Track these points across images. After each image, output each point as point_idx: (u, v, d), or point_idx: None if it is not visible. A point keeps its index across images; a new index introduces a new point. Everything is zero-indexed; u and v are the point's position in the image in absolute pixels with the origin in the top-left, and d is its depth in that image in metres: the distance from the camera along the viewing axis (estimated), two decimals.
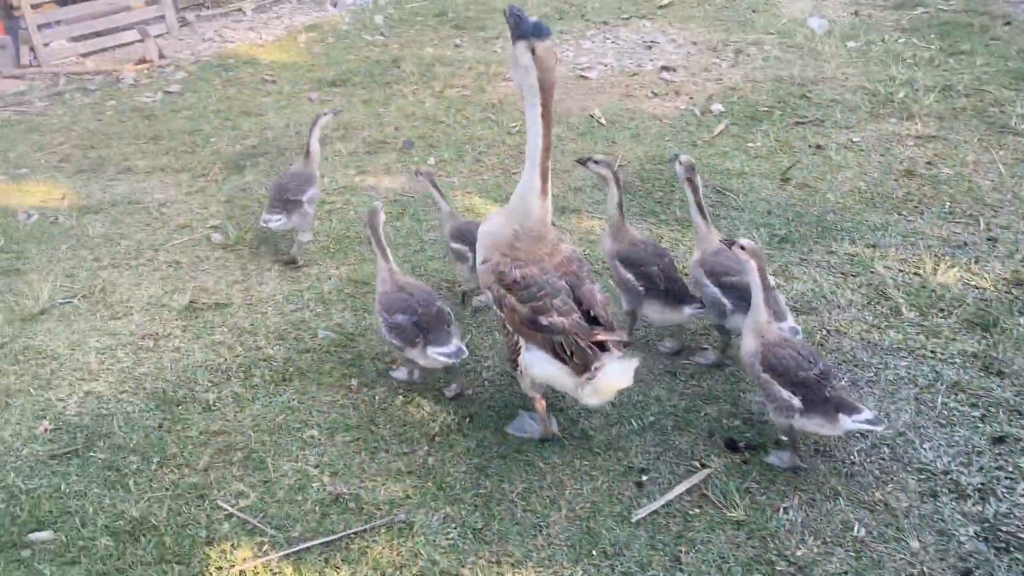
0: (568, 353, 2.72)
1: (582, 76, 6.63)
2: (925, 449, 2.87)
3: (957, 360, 3.31)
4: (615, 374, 2.69)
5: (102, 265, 4.27)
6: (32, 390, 3.35)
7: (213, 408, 3.20)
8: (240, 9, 8.71)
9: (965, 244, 4.11)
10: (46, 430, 3.10)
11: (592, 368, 2.68)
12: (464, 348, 3.10)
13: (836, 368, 3.23)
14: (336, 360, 3.46)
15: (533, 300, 2.76)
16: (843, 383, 3.18)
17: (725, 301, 3.22)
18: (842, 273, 3.92)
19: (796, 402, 2.73)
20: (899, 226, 4.30)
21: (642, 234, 3.62)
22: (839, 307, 3.67)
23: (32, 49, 7.43)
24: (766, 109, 5.83)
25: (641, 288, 3.34)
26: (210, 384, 3.33)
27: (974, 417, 3.00)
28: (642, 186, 4.86)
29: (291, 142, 5.56)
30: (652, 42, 7.21)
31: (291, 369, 3.39)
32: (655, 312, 3.38)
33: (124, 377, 3.41)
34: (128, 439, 3.05)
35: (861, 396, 3.12)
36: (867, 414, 2.67)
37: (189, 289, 3.98)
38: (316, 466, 2.90)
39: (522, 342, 2.83)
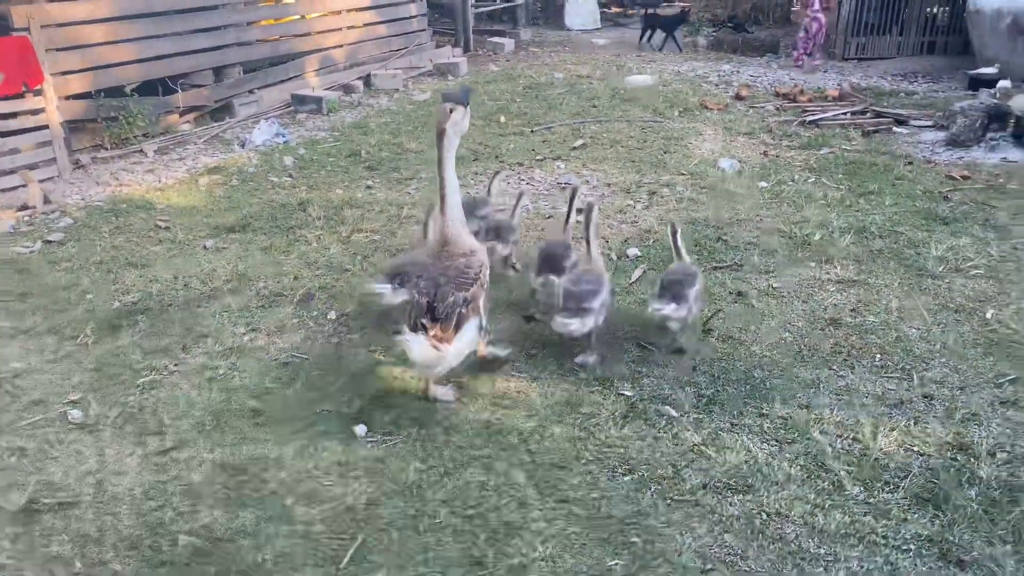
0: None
1: None
2: None
3: (912, 546, 2.96)
4: (409, 346, 3.54)
5: None
6: None
7: None
8: (141, 150, 8.34)
9: (901, 402, 3.86)
10: None
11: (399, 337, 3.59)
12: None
13: None
14: None
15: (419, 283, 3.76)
16: None
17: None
18: (776, 440, 3.59)
19: None
20: (831, 383, 4.04)
21: None
22: (777, 483, 3.31)
23: None
24: None
25: None
26: None
27: None
28: (559, 340, 4.52)
29: (177, 297, 5.08)
30: (566, 184, 7.09)
31: None
32: None
33: None
34: None
35: None
36: None
37: (30, 484, 3.38)
38: None
39: None
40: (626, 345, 4.45)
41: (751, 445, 3.55)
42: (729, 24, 15.51)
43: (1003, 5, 10.94)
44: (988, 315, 4.66)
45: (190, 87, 9.30)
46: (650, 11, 15.23)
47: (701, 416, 3.78)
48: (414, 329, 3.55)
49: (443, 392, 3.93)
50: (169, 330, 4.68)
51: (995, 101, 8.46)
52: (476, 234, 4.62)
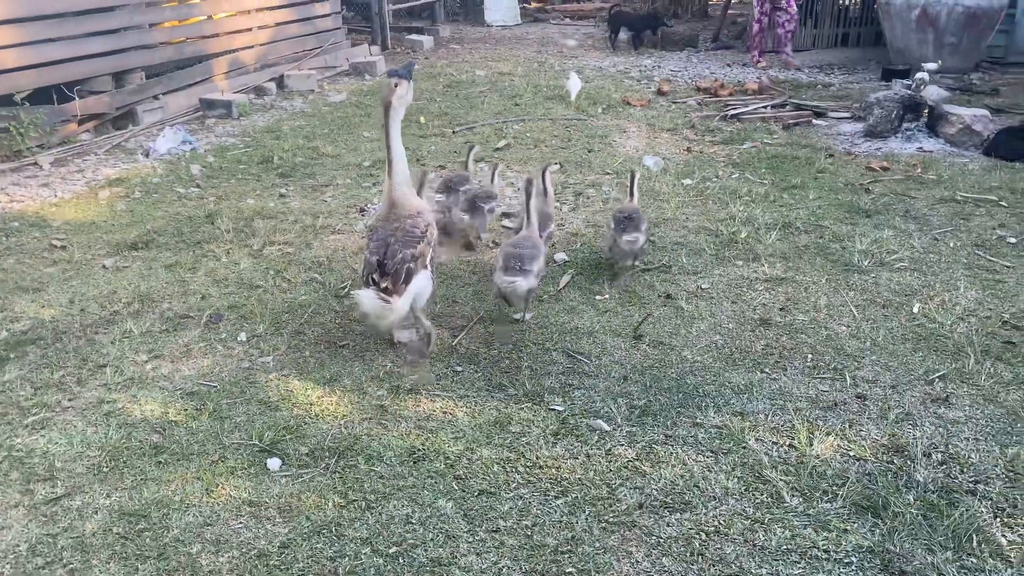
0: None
1: None
2: None
3: (853, 559, 2.86)
4: (360, 300, 3.83)
5: None
6: None
7: None
8: (36, 163, 7.80)
9: (835, 404, 3.78)
10: None
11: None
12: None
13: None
14: None
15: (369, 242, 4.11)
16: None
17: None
18: (712, 451, 3.47)
19: None
20: (764, 387, 3.95)
21: None
22: (715, 498, 3.18)
23: None
24: (610, 257, 5.52)
25: None
26: None
27: None
28: (486, 353, 4.33)
29: (73, 323, 4.69)
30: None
31: None
32: None
33: None
34: None
35: None
36: None
37: None
38: None
39: None
40: (555, 356, 4.28)
41: (686, 458, 3.41)
42: (650, 19, 15.51)
43: None
44: (915, 309, 4.65)
45: (88, 94, 8.76)
46: (614, 10, 15.07)
47: (634, 428, 3.63)
48: (366, 284, 3.92)
49: (406, 335, 4.38)
50: (63, 361, 4.31)
51: (909, 92, 8.60)
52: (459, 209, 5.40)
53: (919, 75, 9.80)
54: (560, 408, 3.79)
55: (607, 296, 4.96)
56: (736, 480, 3.27)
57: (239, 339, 4.50)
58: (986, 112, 8.33)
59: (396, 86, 4.15)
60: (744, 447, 3.48)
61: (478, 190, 5.59)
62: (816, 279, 5.09)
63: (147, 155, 8.13)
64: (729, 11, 15.76)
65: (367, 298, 3.81)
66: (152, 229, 6.10)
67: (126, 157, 8.16)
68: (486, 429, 3.64)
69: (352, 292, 4.31)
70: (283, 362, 4.27)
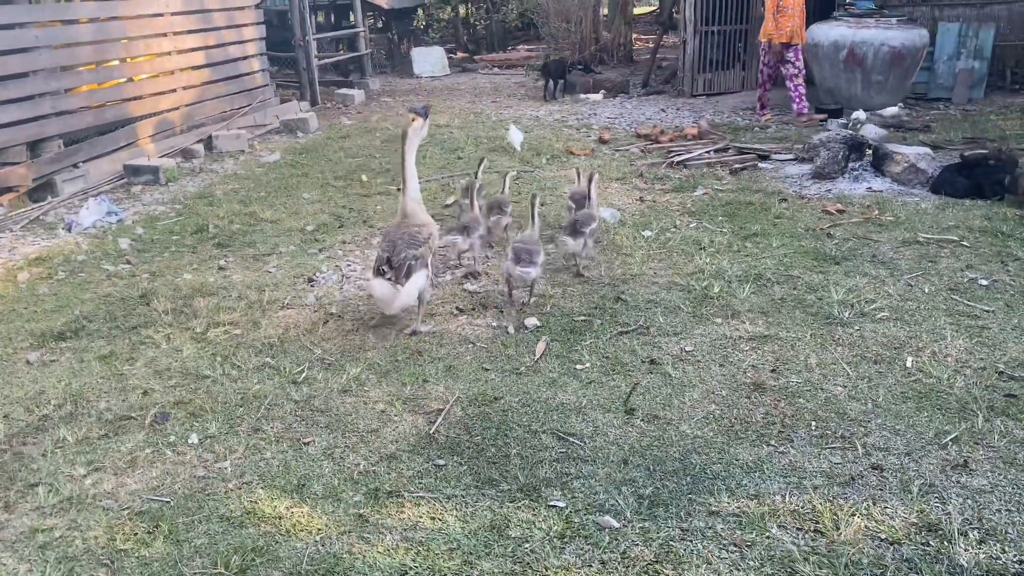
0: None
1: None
2: None
3: None
4: (373, 286, 4.92)
5: None
6: None
7: None
8: None
9: (852, 479, 3.54)
10: None
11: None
12: None
13: None
14: None
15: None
16: None
17: None
18: (735, 546, 3.16)
19: None
20: (774, 462, 3.68)
21: None
22: None
23: None
24: (584, 318, 5.24)
25: None
26: None
27: None
28: (469, 440, 3.96)
29: None
30: (445, 246, 6.55)
31: None
32: None
33: None
34: None
35: None
36: None
37: None
38: None
39: None
40: (544, 439, 3.94)
41: (709, 555, 3.10)
42: (579, 67, 15.59)
43: (839, 38, 11.46)
44: (908, 363, 4.48)
45: (2, 165, 8.13)
46: (550, 60, 15.12)
47: (646, 523, 3.30)
48: (377, 275, 4.87)
49: (424, 327, 5.15)
50: None
51: (851, 132, 8.67)
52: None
53: (856, 114, 9.92)
54: (561, 504, 3.44)
55: (588, 364, 4.66)
56: None
57: (190, 441, 4.02)
58: (928, 150, 8.45)
59: (413, 120, 5.07)
60: (768, 536, 3.19)
61: (491, 200, 6.74)
62: (800, 335, 4.90)
63: (69, 229, 7.54)
64: (656, 56, 15.95)
65: (379, 285, 4.82)
66: (81, 315, 5.56)
67: (46, 233, 7.55)
68: (482, 536, 3.26)
69: (364, 283, 5.69)
70: (243, 467, 3.81)
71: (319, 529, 3.34)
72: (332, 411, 4.25)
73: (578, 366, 4.65)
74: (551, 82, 14.44)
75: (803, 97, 11.34)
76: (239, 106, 11.86)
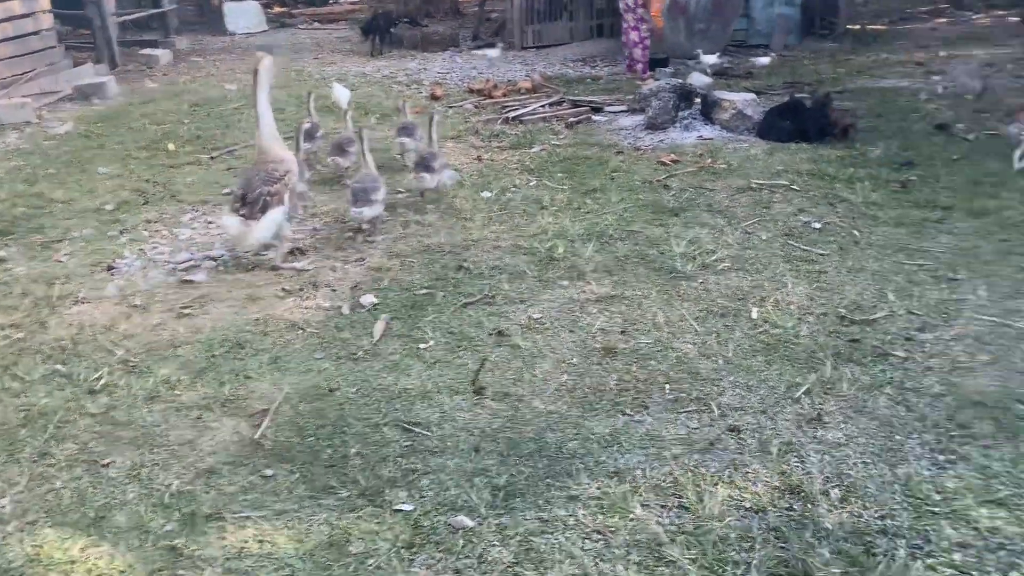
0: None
1: (186, 281, 5.12)
2: None
3: None
4: (225, 223, 5.09)
5: None
6: None
7: None
8: None
9: (711, 444, 3.39)
10: None
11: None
12: None
13: None
14: None
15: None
16: None
17: None
18: (599, 532, 2.92)
19: None
20: (631, 433, 3.48)
21: None
22: None
23: None
24: (425, 292, 4.87)
25: None
26: None
27: None
28: (301, 444, 3.51)
29: None
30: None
31: None
32: None
33: None
34: None
35: None
36: None
37: None
38: None
39: None
40: (387, 432, 3.55)
41: (572, 548, 2.84)
42: (405, 20, 14.95)
43: None
44: (753, 314, 4.42)
45: None
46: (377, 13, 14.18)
47: (503, 518, 3.00)
48: (232, 213, 4.94)
49: (285, 261, 5.22)
50: None
51: (679, 81, 8.68)
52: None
53: (706, 58, 9.94)
54: (409, 507, 3.08)
55: (432, 343, 4.30)
56: (636, 568, 2.75)
57: None
58: (753, 96, 8.59)
59: (263, 58, 5.18)
60: (632, 519, 2.97)
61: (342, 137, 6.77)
62: (646, 292, 4.75)
63: None
64: (484, 7, 15.56)
65: (230, 221, 4.92)
66: None
67: None
68: (319, 557, 2.86)
69: (218, 220, 5.49)
70: (26, 504, 3.18)
71: (122, 572, 2.82)
72: (137, 423, 3.67)
73: (421, 345, 4.28)
74: (377, 37, 13.73)
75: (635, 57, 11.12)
76: (23, 71, 10.45)
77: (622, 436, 3.46)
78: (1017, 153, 6.35)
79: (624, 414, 3.62)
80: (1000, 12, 15.52)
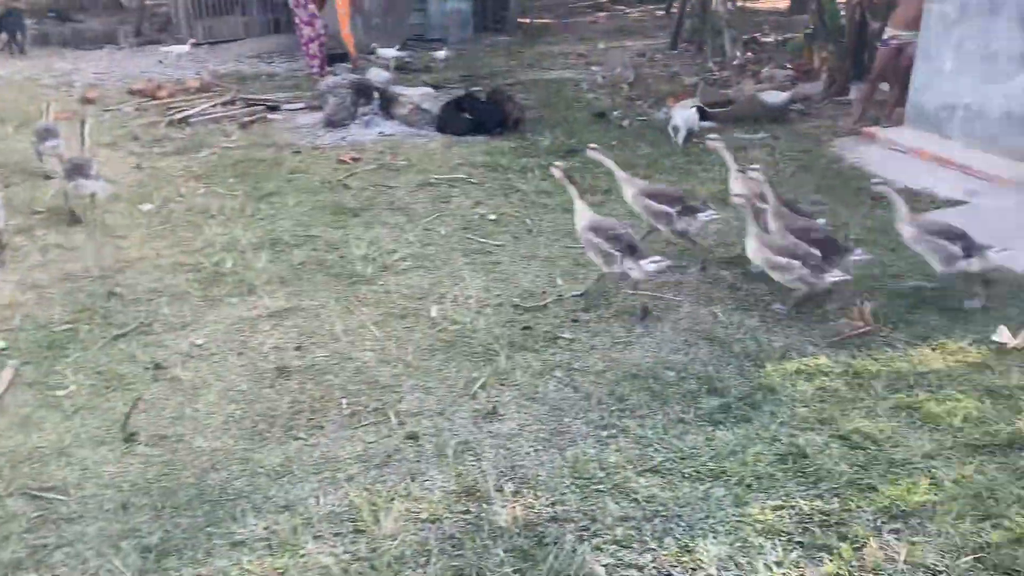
0: None
1: None
2: None
3: None
4: None
5: None
6: None
7: None
8: None
9: (388, 457, 3.26)
10: None
11: None
12: None
13: None
14: None
15: None
16: None
17: None
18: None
19: None
20: (304, 459, 3.25)
21: None
22: None
23: None
24: (67, 327, 4.24)
25: None
26: None
27: None
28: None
29: None
30: None
31: None
32: None
33: None
34: None
35: None
36: None
37: None
38: None
39: None
40: (11, 505, 2.99)
41: None
42: (51, 15, 13.24)
43: None
44: (433, 313, 4.37)
45: None
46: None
47: None
48: None
49: None
50: None
51: (357, 76, 8.51)
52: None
53: (381, 51, 9.80)
54: None
55: (73, 387, 3.73)
56: None
57: None
58: (431, 90, 8.65)
59: None
60: (303, 554, 2.75)
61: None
62: (324, 301, 4.53)
63: None
64: (147, 2, 14.27)
65: None
66: None
67: None
68: None
69: None
70: None
71: None
72: None
73: (59, 392, 3.69)
74: (9, 34, 11.97)
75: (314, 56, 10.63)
76: None
77: (295, 464, 3.22)
78: (675, 135, 7.14)
79: (297, 438, 3.38)
80: (651, 6, 17.25)
